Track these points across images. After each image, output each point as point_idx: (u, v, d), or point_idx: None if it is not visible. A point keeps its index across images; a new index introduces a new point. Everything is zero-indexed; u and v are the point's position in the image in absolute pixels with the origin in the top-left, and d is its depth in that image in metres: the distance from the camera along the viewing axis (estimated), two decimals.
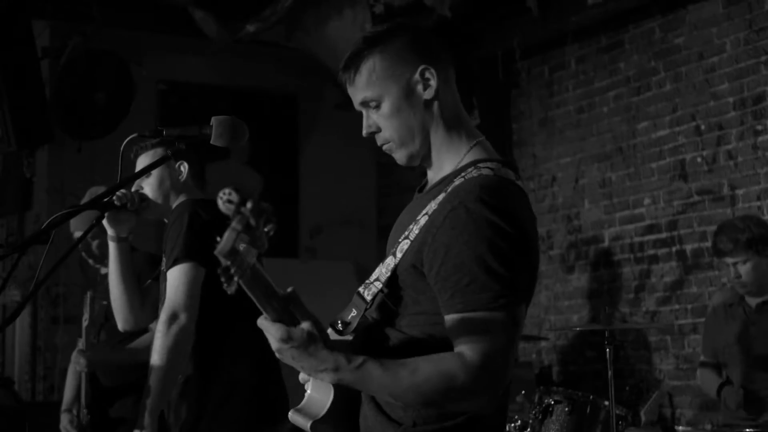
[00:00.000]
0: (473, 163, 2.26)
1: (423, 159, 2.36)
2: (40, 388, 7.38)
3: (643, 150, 6.68)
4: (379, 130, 2.34)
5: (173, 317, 3.38)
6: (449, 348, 2.11)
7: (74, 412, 4.79)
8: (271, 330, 2.09)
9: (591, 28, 6.95)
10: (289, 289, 2.13)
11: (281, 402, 3.61)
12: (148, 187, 3.60)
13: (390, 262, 2.23)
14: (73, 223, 4.73)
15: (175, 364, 3.49)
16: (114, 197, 3.43)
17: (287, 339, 2.08)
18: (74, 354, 4.58)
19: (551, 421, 4.70)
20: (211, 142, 2.77)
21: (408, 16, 6.83)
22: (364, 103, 2.34)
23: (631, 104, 6.79)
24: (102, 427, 4.62)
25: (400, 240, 2.24)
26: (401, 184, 8.50)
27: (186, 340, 3.50)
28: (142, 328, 4.11)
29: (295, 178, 8.59)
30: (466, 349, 2.07)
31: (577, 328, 6.78)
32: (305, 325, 2.09)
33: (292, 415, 2.21)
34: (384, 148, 2.37)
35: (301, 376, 2.26)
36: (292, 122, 8.53)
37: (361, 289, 2.27)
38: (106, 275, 4.36)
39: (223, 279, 1.87)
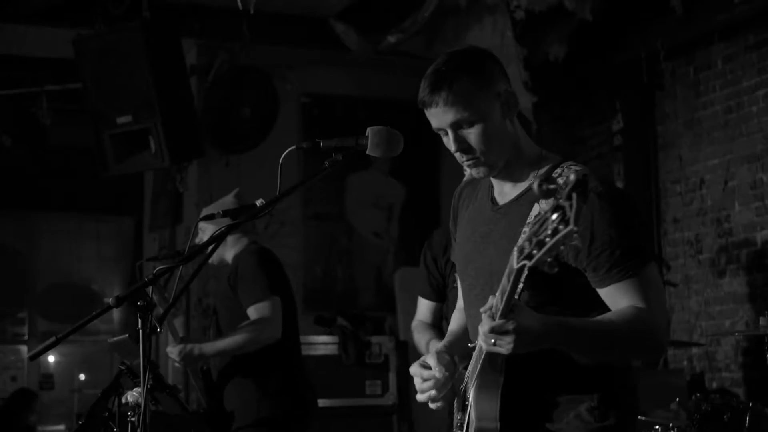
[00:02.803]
0: (560, 164, 2.52)
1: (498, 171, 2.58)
2: (194, 397, 7.58)
3: None
4: (470, 147, 2.50)
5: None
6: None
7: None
8: (483, 322, 2.24)
9: (738, 26, 6.77)
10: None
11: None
12: None
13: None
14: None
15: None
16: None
17: (491, 333, 2.23)
18: (168, 348, 4.64)
19: (709, 429, 4.58)
20: (367, 152, 2.80)
21: (549, 21, 6.80)
22: (457, 123, 2.50)
23: None
24: (219, 420, 4.71)
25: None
26: None
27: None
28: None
29: (436, 187, 8.62)
30: (639, 302, 2.37)
31: (736, 333, 6.56)
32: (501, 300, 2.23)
33: (478, 424, 2.42)
34: (466, 164, 2.55)
35: (419, 396, 2.55)
36: (432, 132, 8.54)
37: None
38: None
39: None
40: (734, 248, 6.90)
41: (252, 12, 5.53)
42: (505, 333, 2.20)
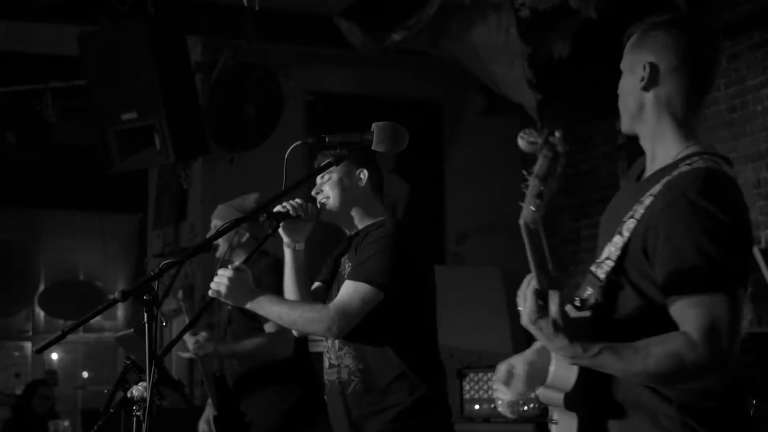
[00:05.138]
0: (694, 155, 2.36)
1: (641, 141, 2.51)
2: (198, 393, 7.60)
3: None
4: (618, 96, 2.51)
5: (331, 322, 3.40)
6: (670, 325, 2.24)
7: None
8: (528, 302, 2.22)
9: (742, 24, 6.77)
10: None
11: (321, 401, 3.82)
12: (328, 186, 3.56)
13: (618, 241, 2.34)
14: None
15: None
16: (289, 207, 3.42)
17: (534, 322, 2.21)
18: (186, 338, 4.65)
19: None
20: (372, 147, 2.82)
21: (553, 19, 6.80)
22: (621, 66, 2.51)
23: None
24: (232, 427, 4.74)
25: (624, 219, 2.35)
26: None
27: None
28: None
29: (440, 185, 8.63)
30: (691, 330, 2.19)
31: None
32: (553, 312, 2.20)
33: (543, 392, 2.37)
34: None
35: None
36: (436, 129, 8.58)
37: (593, 268, 2.39)
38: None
39: (535, 203, 2.19)
40: None
41: (257, 9, 5.53)
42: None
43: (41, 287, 9.98)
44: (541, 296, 2.18)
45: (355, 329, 3.40)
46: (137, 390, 3.30)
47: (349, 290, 3.38)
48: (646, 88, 2.43)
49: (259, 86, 7.27)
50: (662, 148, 2.44)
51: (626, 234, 2.32)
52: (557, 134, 2.09)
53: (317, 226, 3.61)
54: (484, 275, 8.31)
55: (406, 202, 8.51)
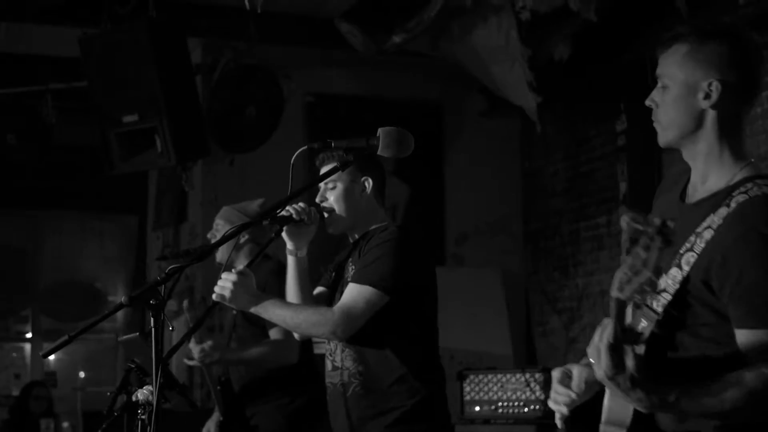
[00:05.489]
0: (750, 179, 2.33)
1: (686, 157, 2.46)
2: (198, 395, 7.61)
3: None
4: (656, 106, 2.43)
5: (336, 325, 3.42)
6: (738, 360, 2.24)
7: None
8: (603, 358, 2.17)
9: (743, 27, 6.79)
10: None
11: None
12: (333, 198, 3.57)
13: (676, 274, 2.30)
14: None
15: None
16: (293, 212, 3.43)
17: (613, 377, 2.17)
18: (191, 347, 4.65)
19: None
20: (378, 152, 2.83)
21: (553, 21, 6.81)
22: (659, 77, 2.43)
23: None
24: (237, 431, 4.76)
25: (682, 251, 2.31)
26: (547, 190, 8.47)
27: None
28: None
29: (440, 186, 8.64)
30: (765, 366, 2.19)
31: None
32: (630, 368, 2.16)
33: (604, 428, 2.37)
34: (655, 124, 2.46)
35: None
36: (437, 131, 8.58)
37: (648, 301, 2.34)
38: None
39: (642, 290, 2.05)
40: None
41: (259, 11, 5.54)
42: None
43: (40, 289, 9.97)
44: (615, 350, 2.15)
45: (357, 332, 3.42)
46: (142, 393, 3.31)
47: (354, 293, 3.40)
48: (714, 107, 2.37)
49: (260, 88, 7.28)
50: (717, 169, 2.40)
51: (686, 268, 2.30)
52: (670, 224, 2.02)
53: (318, 231, 3.62)
54: (484, 276, 8.33)
55: (407, 204, 8.53)
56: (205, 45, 7.66)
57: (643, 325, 2.30)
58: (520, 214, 8.79)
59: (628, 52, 7.37)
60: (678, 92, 2.40)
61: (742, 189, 2.30)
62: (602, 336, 2.16)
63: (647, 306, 2.32)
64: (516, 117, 8.24)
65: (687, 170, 2.52)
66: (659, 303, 2.30)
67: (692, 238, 2.31)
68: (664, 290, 2.31)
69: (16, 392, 9.07)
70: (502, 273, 8.35)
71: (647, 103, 2.46)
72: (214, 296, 3.36)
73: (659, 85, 2.45)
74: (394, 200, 8.50)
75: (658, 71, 2.44)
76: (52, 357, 9.75)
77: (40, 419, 8.20)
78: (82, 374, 9.27)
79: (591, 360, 2.21)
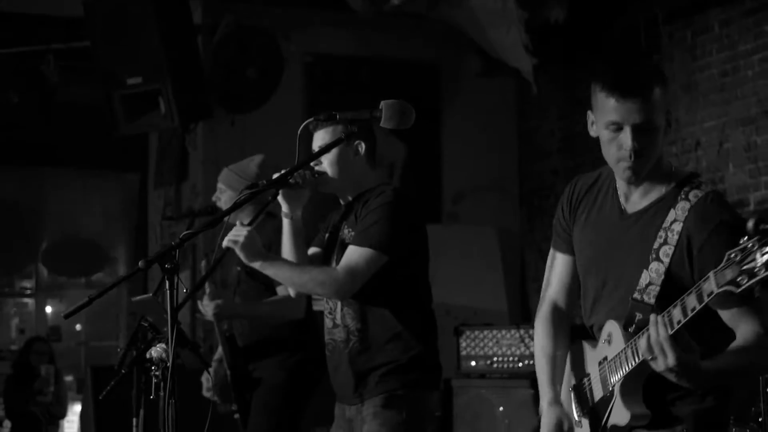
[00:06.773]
0: (689, 180, 2.73)
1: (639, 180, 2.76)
2: (202, 350, 7.75)
3: None
4: (641, 151, 2.66)
5: (340, 284, 3.57)
6: (727, 329, 2.61)
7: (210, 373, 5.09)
8: (669, 353, 2.46)
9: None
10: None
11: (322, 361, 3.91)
12: (327, 162, 3.67)
13: (658, 267, 2.60)
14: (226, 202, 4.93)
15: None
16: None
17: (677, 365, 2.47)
18: (203, 301, 4.78)
19: None
20: (381, 124, 2.96)
21: None
22: (642, 124, 2.65)
23: None
24: (243, 387, 4.91)
25: (655, 246, 2.60)
26: (543, 150, 8.58)
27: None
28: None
29: (437, 144, 8.74)
30: (759, 327, 2.57)
31: None
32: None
33: None
34: (625, 166, 2.69)
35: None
36: (434, 91, 8.66)
37: (635, 296, 2.62)
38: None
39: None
40: None
41: None
42: (669, 356, 2.46)
43: (44, 245, 10.08)
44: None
45: (357, 291, 3.59)
46: (156, 351, 3.44)
47: (355, 255, 3.56)
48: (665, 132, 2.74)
49: (260, 49, 7.35)
50: (658, 181, 2.73)
51: (665, 260, 2.58)
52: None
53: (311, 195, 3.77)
54: (480, 234, 8.45)
55: (404, 162, 8.64)
56: (206, 6, 7.71)
57: (639, 317, 2.59)
58: (515, 173, 8.91)
59: (623, 16, 7.46)
60: (657, 134, 2.70)
61: (687, 188, 2.67)
62: (658, 332, 2.44)
63: (635, 300, 2.62)
64: (512, 77, 8.33)
65: (588, 182, 2.91)
66: (650, 296, 2.59)
67: (662, 234, 2.60)
68: (650, 284, 2.59)
69: (17, 347, 9.21)
70: (497, 231, 8.47)
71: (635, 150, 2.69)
72: (225, 243, 3.50)
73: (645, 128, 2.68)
74: (391, 159, 8.61)
75: (644, 117, 2.66)
76: (49, 309, 9.89)
77: (40, 366, 8.34)
78: (78, 327, 9.39)
79: (647, 356, 2.46)
